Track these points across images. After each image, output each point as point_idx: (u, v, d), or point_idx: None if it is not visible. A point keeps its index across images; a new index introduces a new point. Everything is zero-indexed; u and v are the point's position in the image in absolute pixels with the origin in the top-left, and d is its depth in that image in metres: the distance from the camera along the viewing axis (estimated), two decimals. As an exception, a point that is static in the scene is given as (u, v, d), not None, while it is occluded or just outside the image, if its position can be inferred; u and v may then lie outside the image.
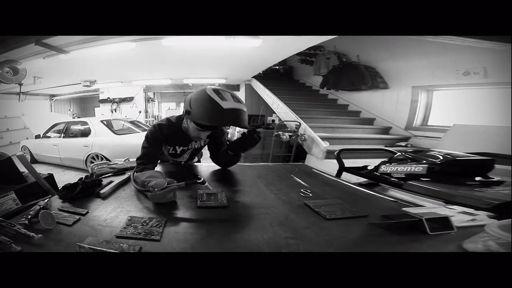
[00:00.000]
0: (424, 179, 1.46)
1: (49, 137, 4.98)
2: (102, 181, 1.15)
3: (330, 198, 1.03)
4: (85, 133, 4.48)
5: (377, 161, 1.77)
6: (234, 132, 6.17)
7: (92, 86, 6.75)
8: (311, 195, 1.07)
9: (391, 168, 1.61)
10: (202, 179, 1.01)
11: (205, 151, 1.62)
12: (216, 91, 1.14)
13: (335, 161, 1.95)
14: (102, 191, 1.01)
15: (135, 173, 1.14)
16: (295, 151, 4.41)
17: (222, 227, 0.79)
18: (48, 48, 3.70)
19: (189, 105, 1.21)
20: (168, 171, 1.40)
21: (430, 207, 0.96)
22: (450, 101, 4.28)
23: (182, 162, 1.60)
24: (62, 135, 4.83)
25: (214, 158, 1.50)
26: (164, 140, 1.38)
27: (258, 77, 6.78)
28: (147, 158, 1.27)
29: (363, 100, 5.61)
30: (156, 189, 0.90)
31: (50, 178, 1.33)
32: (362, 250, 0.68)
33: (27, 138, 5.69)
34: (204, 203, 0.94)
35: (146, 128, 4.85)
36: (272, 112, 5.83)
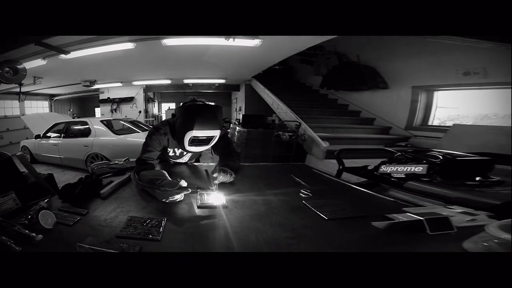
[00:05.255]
0: (424, 179, 1.46)
1: (49, 137, 4.98)
2: (102, 181, 1.15)
3: (330, 198, 1.03)
4: (85, 133, 4.47)
5: (377, 161, 1.77)
6: (234, 133, 6.17)
7: (92, 86, 6.74)
8: (311, 195, 1.07)
9: (391, 168, 1.61)
10: (216, 186, 1.02)
11: (204, 152, 1.62)
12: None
13: (335, 161, 1.95)
14: (102, 191, 1.01)
15: (140, 172, 1.16)
16: (295, 151, 4.41)
17: (222, 227, 0.79)
18: (48, 48, 3.69)
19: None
20: (186, 174, 1.41)
21: (430, 207, 0.96)
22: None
23: (188, 162, 1.61)
24: (62, 135, 4.83)
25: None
26: (165, 141, 1.38)
27: (258, 77, 6.78)
28: (147, 159, 1.28)
29: (363, 100, 5.61)
30: (168, 189, 0.93)
31: (50, 178, 1.33)
32: (362, 250, 0.68)
33: (27, 138, 5.68)
34: (204, 203, 0.94)
35: (146, 128, 4.84)
36: (272, 112, 5.83)
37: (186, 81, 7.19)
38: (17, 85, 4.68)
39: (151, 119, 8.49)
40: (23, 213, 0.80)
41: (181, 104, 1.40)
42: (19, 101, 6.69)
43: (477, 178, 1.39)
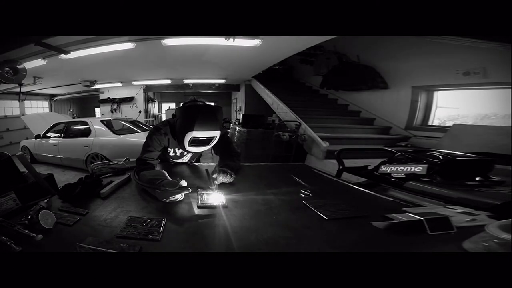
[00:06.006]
0: (424, 179, 1.46)
1: (49, 137, 4.97)
2: (102, 181, 1.15)
3: (330, 198, 1.03)
4: (85, 133, 4.47)
5: (377, 161, 1.77)
6: (234, 132, 6.17)
7: (92, 86, 6.74)
8: (311, 195, 1.07)
9: (391, 168, 1.61)
10: (215, 186, 1.02)
11: (204, 152, 1.62)
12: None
13: (335, 161, 1.95)
14: (102, 191, 1.01)
15: (140, 172, 1.16)
16: (295, 151, 4.42)
17: (222, 227, 0.79)
18: (48, 48, 3.69)
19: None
20: (186, 174, 1.41)
21: (430, 207, 0.96)
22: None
23: (189, 162, 1.61)
24: (62, 135, 4.83)
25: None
26: (165, 141, 1.38)
27: (258, 77, 6.78)
28: (147, 159, 1.28)
29: (363, 100, 5.61)
30: (168, 188, 0.93)
31: (50, 178, 1.33)
32: (362, 250, 0.68)
33: (27, 138, 5.68)
34: (204, 203, 0.94)
35: (146, 128, 4.84)
36: (272, 112, 5.83)
37: (186, 81, 7.19)
38: (17, 85, 4.68)
39: (151, 119, 8.49)
40: (23, 213, 0.80)
41: (181, 104, 1.40)
42: (19, 101, 6.69)
43: (477, 178, 1.39)
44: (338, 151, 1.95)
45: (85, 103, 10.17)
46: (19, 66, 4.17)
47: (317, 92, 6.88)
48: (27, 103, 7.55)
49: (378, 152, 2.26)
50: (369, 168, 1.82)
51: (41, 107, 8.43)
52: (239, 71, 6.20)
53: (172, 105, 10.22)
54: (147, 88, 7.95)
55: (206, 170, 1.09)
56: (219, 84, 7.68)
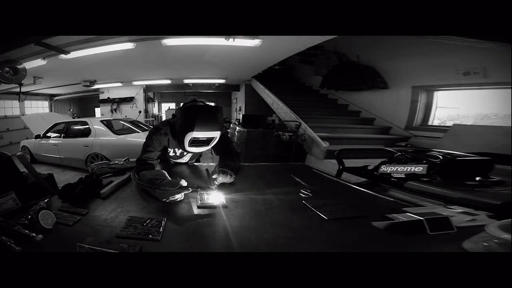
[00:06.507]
0: (424, 179, 1.46)
1: (49, 137, 4.97)
2: (102, 181, 1.15)
3: (330, 198, 1.03)
4: (85, 133, 4.47)
5: (377, 161, 1.77)
6: (234, 132, 6.17)
7: (92, 86, 6.74)
8: (311, 195, 1.07)
9: (391, 168, 1.61)
10: (215, 186, 1.03)
11: (204, 152, 1.62)
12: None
13: (335, 161, 1.95)
14: (102, 191, 1.01)
15: (140, 172, 1.16)
16: (295, 151, 4.42)
17: (222, 227, 0.79)
18: (48, 48, 3.69)
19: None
20: (186, 174, 1.41)
21: (430, 207, 0.96)
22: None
23: (189, 163, 1.61)
24: (62, 135, 4.83)
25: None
26: (165, 141, 1.38)
27: (258, 77, 6.78)
28: (147, 159, 1.28)
29: (363, 100, 5.61)
30: (168, 188, 0.93)
31: (50, 178, 1.33)
32: (362, 250, 0.68)
33: (27, 138, 5.68)
34: (204, 203, 0.94)
35: (146, 128, 4.84)
36: (272, 112, 5.83)
37: (186, 81, 7.19)
38: (17, 85, 4.68)
39: (151, 119, 8.49)
40: (23, 213, 0.80)
41: (181, 104, 1.40)
42: (19, 101, 6.69)
43: (477, 178, 1.39)
44: (338, 151, 1.95)
45: (85, 103, 10.16)
46: (19, 66, 4.17)
47: (317, 92, 6.88)
48: (27, 103, 7.55)
49: (378, 152, 2.26)
50: (369, 168, 1.82)
51: (41, 107, 8.42)
52: (239, 71, 6.20)
53: (172, 105, 10.22)
54: (147, 88, 7.95)
55: (206, 170, 1.09)
56: (219, 84, 7.67)
